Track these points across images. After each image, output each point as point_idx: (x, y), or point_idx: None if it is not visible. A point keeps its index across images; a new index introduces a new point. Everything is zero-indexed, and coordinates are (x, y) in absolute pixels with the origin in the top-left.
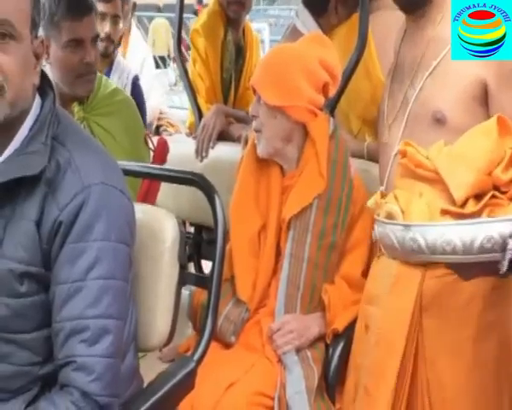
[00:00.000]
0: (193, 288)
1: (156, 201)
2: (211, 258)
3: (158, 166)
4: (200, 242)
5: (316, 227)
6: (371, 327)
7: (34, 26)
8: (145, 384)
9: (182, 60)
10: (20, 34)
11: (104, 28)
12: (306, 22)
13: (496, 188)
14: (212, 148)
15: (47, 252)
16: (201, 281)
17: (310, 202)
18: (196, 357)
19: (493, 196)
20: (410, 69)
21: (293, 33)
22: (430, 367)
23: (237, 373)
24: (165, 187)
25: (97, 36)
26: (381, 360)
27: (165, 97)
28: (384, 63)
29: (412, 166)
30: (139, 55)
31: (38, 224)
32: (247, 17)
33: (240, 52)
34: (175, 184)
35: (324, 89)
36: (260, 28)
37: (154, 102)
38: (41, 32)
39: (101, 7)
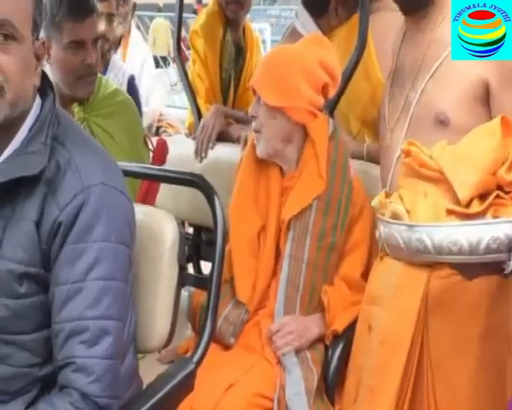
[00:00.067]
0: (192, 289)
1: (155, 202)
2: (210, 259)
3: (157, 167)
4: (199, 243)
5: (315, 228)
6: (374, 328)
7: (36, 27)
8: (144, 386)
9: (181, 60)
10: (22, 35)
11: (99, 27)
12: (306, 23)
13: (500, 188)
14: (212, 148)
15: (46, 252)
16: (201, 282)
17: (309, 202)
18: (196, 358)
19: (497, 196)
20: (411, 72)
21: (293, 35)
22: (436, 367)
23: (236, 375)
24: (164, 188)
25: (98, 37)
26: (385, 359)
27: (167, 97)
28: (383, 64)
29: (416, 165)
30: (139, 56)
31: (38, 224)
32: (248, 17)
33: (240, 52)
34: (174, 185)
35: (324, 90)
36: (262, 28)
37: (154, 104)
38: (42, 33)
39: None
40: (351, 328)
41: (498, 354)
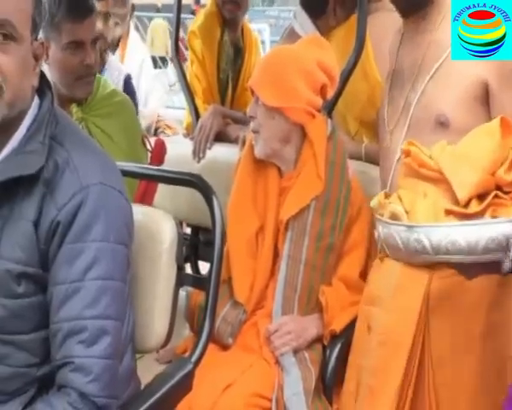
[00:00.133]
0: (189, 289)
1: (153, 202)
2: (208, 259)
3: (156, 168)
4: (197, 243)
5: (313, 229)
6: (373, 328)
7: (35, 27)
8: (142, 386)
9: (179, 61)
10: (21, 35)
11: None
12: (304, 24)
13: (498, 188)
14: (210, 149)
15: (45, 252)
16: (199, 282)
17: (307, 203)
18: (194, 358)
19: (496, 196)
20: (411, 73)
21: (291, 35)
22: (437, 367)
23: (234, 375)
24: (162, 188)
25: (97, 38)
26: (385, 360)
27: (166, 98)
28: (381, 64)
29: (416, 165)
30: (138, 58)
31: (36, 224)
32: (246, 18)
33: (238, 53)
34: (173, 186)
35: (322, 90)
36: (261, 29)
37: (153, 105)
38: (40, 34)
39: None
40: (349, 328)
41: (499, 354)
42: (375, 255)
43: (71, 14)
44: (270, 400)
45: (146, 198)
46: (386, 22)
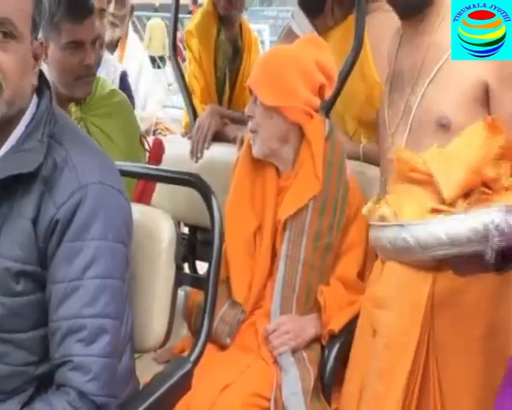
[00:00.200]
0: (188, 288)
1: (152, 201)
2: (206, 259)
3: (155, 167)
4: (194, 243)
5: (311, 229)
6: (379, 331)
7: (35, 26)
8: (141, 385)
9: (177, 60)
10: (21, 34)
11: None
12: (302, 24)
13: (484, 184)
14: (207, 148)
15: (43, 250)
16: (197, 282)
17: (305, 203)
18: (193, 358)
19: (481, 192)
20: (411, 76)
21: (289, 35)
22: (442, 368)
23: (233, 374)
24: (161, 188)
25: (97, 38)
26: (391, 362)
27: (165, 98)
28: (379, 65)
29: (407, 170)
30: (136, 59)
31: (35, 222)
32: (246, 18)
33: (237, 52)
34: (171, 185)
35: (320, 90)
36: (260, 29)
37: (152, 108)
38: (40, 33)
39: None
40: (347, 328)
41: (503, 353)
42: (374, 256)
43: (71, 15)
44: (269, 399)
45: (144, 197)
46: (384, 22)
